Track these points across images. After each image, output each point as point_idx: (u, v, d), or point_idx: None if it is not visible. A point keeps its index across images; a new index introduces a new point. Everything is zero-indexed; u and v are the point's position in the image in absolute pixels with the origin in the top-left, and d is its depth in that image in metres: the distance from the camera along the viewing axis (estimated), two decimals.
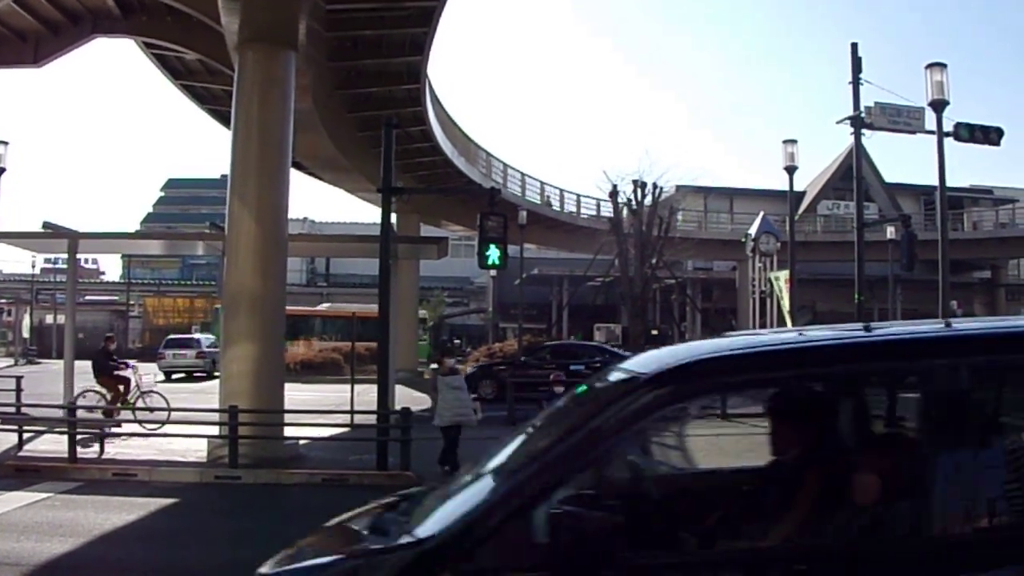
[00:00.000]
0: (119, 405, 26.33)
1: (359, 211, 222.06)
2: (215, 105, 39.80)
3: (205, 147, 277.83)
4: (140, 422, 25.25)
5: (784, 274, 44.93)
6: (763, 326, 54.44)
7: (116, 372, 27.59)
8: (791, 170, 42.22)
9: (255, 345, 22.27)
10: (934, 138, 27.18)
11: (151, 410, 26.22)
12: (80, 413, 22.28)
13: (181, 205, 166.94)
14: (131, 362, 29.85)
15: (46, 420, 24.52)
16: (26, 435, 23.84)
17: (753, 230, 54.18)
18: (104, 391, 26.67)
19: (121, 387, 27.03)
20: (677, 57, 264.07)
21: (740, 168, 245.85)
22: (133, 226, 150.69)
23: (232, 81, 25.20)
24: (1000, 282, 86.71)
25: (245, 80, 23.51)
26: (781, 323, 46.68)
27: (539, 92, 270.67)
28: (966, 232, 74.35)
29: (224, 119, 39.41)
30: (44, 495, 17.69)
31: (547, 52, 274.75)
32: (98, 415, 24.83)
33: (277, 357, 23.72)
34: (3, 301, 72.21)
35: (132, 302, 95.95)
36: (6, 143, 32.84)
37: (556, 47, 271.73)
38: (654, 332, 62.12)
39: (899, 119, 28.27)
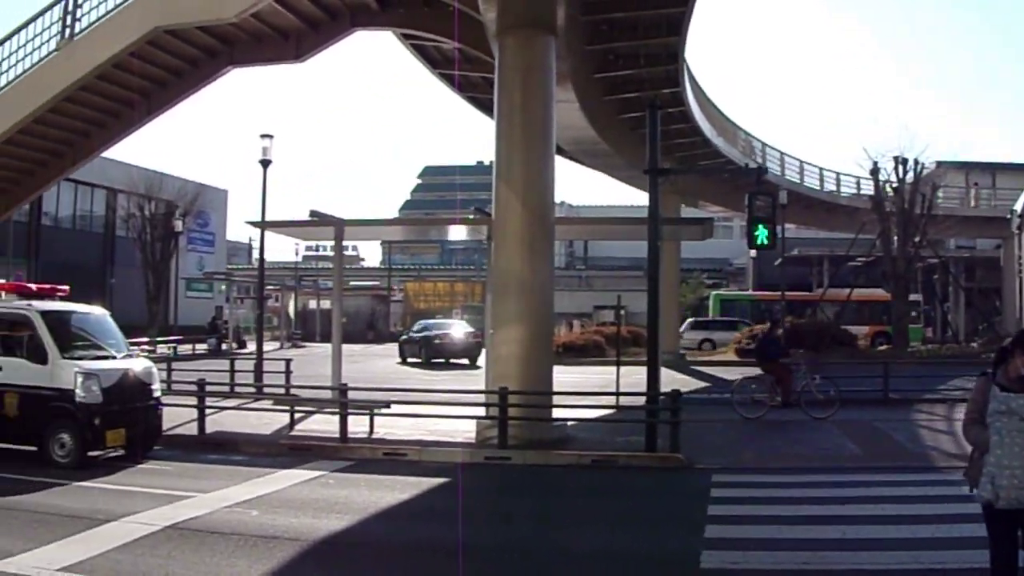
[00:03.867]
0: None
1: (613, 194, 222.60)
2: (474, 92, 40.10)
3: (461, 134, 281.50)
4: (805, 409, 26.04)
5: None
6: None
7: (782, 359, 27.79)
8: None
9: (524, 327, 22.38)
10: None
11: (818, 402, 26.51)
12: (351, 395, 22.65)
13: (437, 192, 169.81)
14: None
15: (316, 401, 25.21)
16: (296, 415, 24.58)
17: (1019, 206, 52.37)
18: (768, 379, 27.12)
19: (786, 374, 27.12)
20: (929, 28, 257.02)
21: (1001, 140, 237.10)
22: (391, 213, 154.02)
23: (491, 68, 25.36)
24: None
25: (506, 67, 23.58)
26: None
27: (789, 69, 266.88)
28: None
29: (483, 106, 39.81)
30: (318, 473, 18.26)
31: (795, 28, 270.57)
32: (366, 396, 25.05)
33: (546, 339, 23.73)
34: (269, 287, 74.36)
35: (393, 287, 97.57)
36: (272, 136, 33.80)
37: (803, 23, 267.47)
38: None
39: None
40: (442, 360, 51.67)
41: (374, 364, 48.94)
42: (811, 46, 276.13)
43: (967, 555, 11.36)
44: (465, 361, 50.38)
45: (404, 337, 58.28)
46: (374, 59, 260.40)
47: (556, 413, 22.62)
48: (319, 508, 14.84)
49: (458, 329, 55.30)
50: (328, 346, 29.02)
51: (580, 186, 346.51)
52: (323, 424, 23.30)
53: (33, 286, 21.08)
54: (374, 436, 22.36)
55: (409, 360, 53.59)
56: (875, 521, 13.72)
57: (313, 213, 26.82)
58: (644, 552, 12.36)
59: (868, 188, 61.39)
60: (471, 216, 29.36)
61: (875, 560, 11.49)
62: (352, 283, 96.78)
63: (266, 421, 24.26)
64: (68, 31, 28.72)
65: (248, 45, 31.73)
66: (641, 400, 21.99)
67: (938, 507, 14.58)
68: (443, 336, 53.44)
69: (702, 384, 39.59)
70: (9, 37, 29.89)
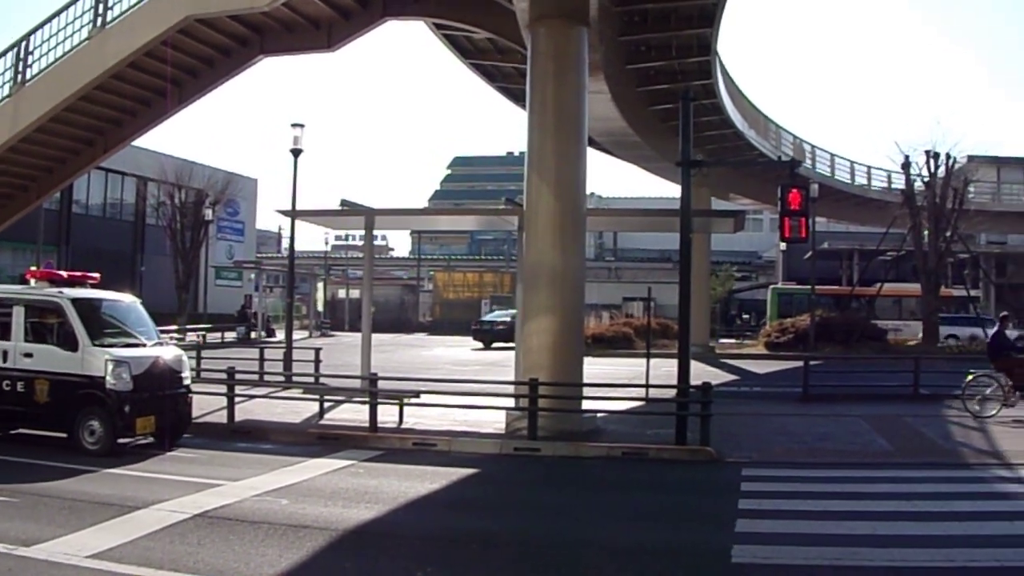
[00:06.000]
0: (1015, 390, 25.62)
1: (641, 186, 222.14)
2: (505, 83, 40.04)
3: (491, 125, 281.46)
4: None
5: None
6: None
7: (1016, 355, 26.59)
8: None
9: (555, 319, 22.40)
10: None
11: None
12: (380, 384, 22.66)
13: (467, 182, 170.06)
14: None
15: (345, 391, 25.20)
16: (326, 404, 24.61)
17: None
18: (1002, 376, 25.92)
19: (1018, 370, 25.86)
20: (968, 17, 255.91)
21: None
22: (421, 203, 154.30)
23: (522, 59, 25.40)
24: None
25: (538, 57, 23.54)
26: None
27: (821, 60, 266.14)
28: None
29: (514, 96, 39.75)
30: (347, 462, 18.28)
31: (829, 19, 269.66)
32: (396, 385, 25.03)
33: (576, 331, 23.65)
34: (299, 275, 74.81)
35: (422, 277, 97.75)
36: (302, 126, 33.72)
37: (836, 13, 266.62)
38: None
39: None
40: (502, 343, 54.90)
41: (403, 353, 49.08)
42: (846, 37, 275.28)
43: (1000, 553, 11.48)
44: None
45: (474, 327, 63.71)
46: (406, 49, 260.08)
47: (586, 405, 22.66)
48: (348, 498, 14.84)
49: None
50: (357, 335, 28.98)
51: (609, 178, 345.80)
52: (352, 413, 23.29)
53: (64, 273, 21.09)
54: (403, 426, 22.38)
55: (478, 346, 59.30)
56: (907, 518, 13.66)
57: (344, 202, 26.86)
58: (674, 546, 12.31)
59: (899, 182, 61.36)
60: (502, 206, 29.28)
61: (907, 557, 11.40)
62: (383, 271, 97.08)
63: (295, 410, 24.37)
64: (100, 19, 28.73)
65: (279, 34, 31.70)
66: (671, 392, 21.91)
67: (970, 504, 14.65)
68: (504, 323, 57.34)
69: (732, 377, 39.65)
70: (42, 25, 29.91)
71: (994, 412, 25.04)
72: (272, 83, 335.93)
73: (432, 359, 47.70)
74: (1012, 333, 29.18)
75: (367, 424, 21.43)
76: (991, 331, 26.80)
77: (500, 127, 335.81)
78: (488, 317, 65.49)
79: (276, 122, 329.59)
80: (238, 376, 23.87)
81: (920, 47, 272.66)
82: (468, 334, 62.23)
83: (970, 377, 26.42)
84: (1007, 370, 25.70)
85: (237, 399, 23.17)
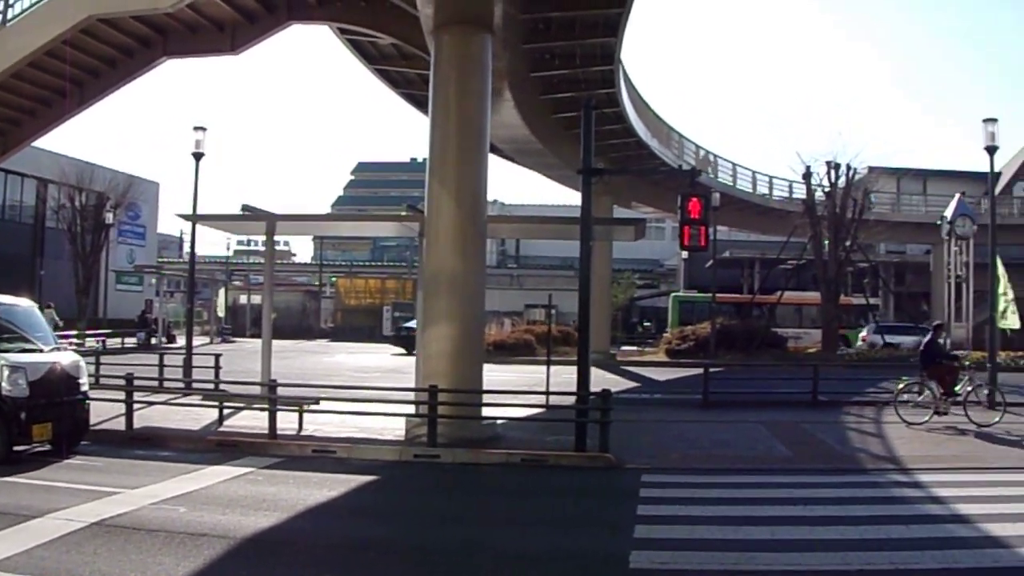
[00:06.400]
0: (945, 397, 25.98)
1: (547, 194, 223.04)
2: (409, 89, 40.01)
3: (395, 131, 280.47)
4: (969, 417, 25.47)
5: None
6: (957, 312, 53.49)
7: (947, 363, 26.97)
8: (991, 150, 41.01)
9: (455, 325, 22.38)
10: None
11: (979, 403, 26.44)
12: (279, 391, 22.53)
13: (371, 188, 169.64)
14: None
15: (245, 397, 25.05)
16: (225, 411, 24.47)
17: (949, 212, 52.99)
18: (933, 384, 26.31)
19: (948, 378, 26.33)
20: (873, 19, 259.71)
21: (934, 146, 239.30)
22: (324, 209, 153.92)
23: (426, 65, 25.34)
24: None
25: (442, 64, 23.56)
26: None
27: (728, 72, 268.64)
28: None
29: (418, 103, 39.75)
30: (247, 470, 18.10)
31: (734, 30, 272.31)
32: (299, 392, 24.91)
33: (477, 337, 23.75)
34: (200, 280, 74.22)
35: (324, 283, 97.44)
36: (205, 129, 33.52)
37: (741, 25, 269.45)
38: None
39: None
40: None
41: (305, 360, 48.89)
42: (749, 50, 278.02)
43: (895, 556, 11.66)
44: None
45: (395, 333, 65.78)
46: (312, 54, 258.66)
47: (486, 411, 22.66)
48: (247, 505, 14.72)
49: None
50: (259, 341, 28.84)
51: (514, 185, 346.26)
52: (252, 420, 23.15)
53: None
54: (303, 433, 22.25)
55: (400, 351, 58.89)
56: (804, 522, 13.83)
57: (245, 207, 26.71)
58: (573, 552, 12.34)
59: (800, 192, 62.20)
60: (404, 212, 29.25)
61: (804, 561, 11.56)
62: (284, 276, 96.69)
63: (195, 416, 24.21)
64: (1, 17, 28.44)
65: (183, 36, 31.57)
66: (571, 399, 21.96)
67: (865, 509, 14.86)
68: None
69: (633, 384, 39.80)
70: None
71: (926, 419, 25.42)
72: (176, 86, 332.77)
73: (334, 365, 47.44)
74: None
75: (267, 431, 21.24)
76: (924, 340, 27.20)
77: (405, 133, 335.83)
78: (411, 324, 64.89)
79: (180, 125, 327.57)
80: (137, 382, 23.63)
81: (826, 52, 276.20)
82: (371, 340, 62.14)
83: (902, 385, 26.97)
84: (938, 378, 26.16)
85: (136, 406, 22.88)
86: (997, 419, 25.32)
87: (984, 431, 24.35)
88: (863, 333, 60.72)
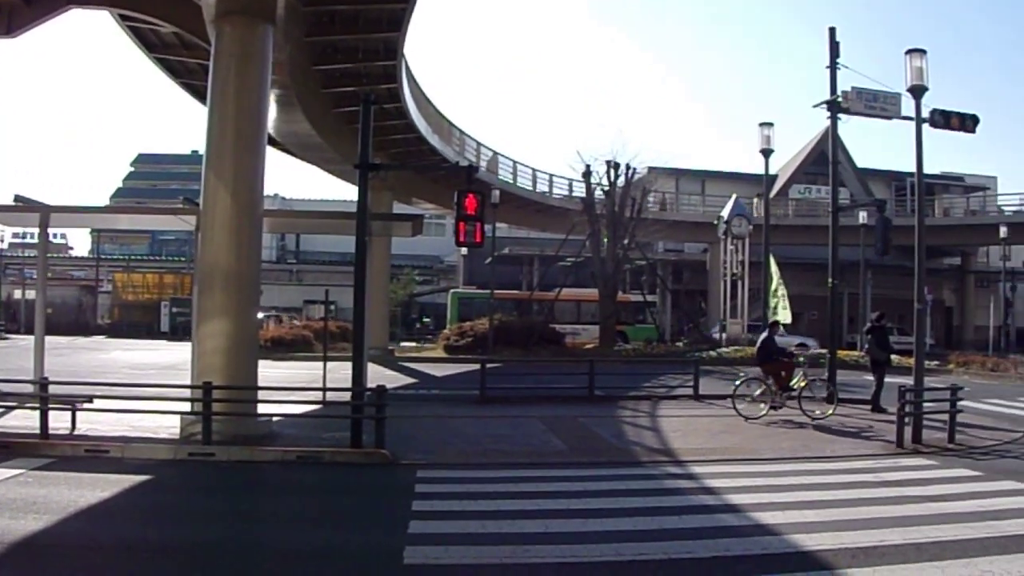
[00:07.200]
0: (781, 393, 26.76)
1: (328, 188, 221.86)
2: (190, 79, 39.39)
3: (177, 122, 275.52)
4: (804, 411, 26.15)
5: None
6: (733, 308, 55.01)
7: (781, 358, 27.75)
8: (767, 153, 42.25)
9: (229, 321, 22.12)
10: (903, 124, 26.99)
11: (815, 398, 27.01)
12: (52, 389, 21.95)
13: (151, 180, 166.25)
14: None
15: (16, 396, 24.33)
16: None
17: (725, 212, 54.58)
18: (770, 379, 27.04)
19: (784, 373, 27.11)
20: (650, 24, 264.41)
21: (715, 147, 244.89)
22: (103, 201, 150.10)
23: (208, 55, 24.99)
24: (970, 269, 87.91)
25: (222, 53, 23.24)
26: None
27: (513, 70, 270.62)
28: (937, 219, 74.97)
29: (198, 94, 39.10)
30: (16, 471, 17.48)
31: (523, 29, 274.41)
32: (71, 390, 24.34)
33: (252, 333, 23.56)
34: None
35: (101, 278, 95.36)
36: None
37: (531, 24, 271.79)
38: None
39: (875, 104, 27.98)
40: None
41: (80, 356, 47.84)
42: (541, 47, 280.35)
43: (667, 546, 12.01)
44: None
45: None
46: (92, 40, 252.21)
47: (262, 408, 22.40)
48: (16, 508, 14.24)
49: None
50: (33, 338, 28.12)
51: (297, 180, 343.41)
52: (24, 420, 22.33)
53: None
54: (76, 432, 21.60)
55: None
56: (578, 515, 14.05)
57: (17, 198, 26.01)
58: (348, 549, 12.35)
59: (580, 190, 63.02)
60: (181, 205, 28.83)
61: (577, 553, 11.77)
62: (60, 271, 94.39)
63: None
64: None
65: None
66: (347, 395, 21.88)
67: (639, 500, 15.25)
68: None
69: (411, 380, 39.95)
70: None
71: (762, 413, 26.32)
72: None
73: (110, 362, 46.33)
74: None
75: (38, 431, 20.61)
76: (761, 337, 28.00)
77: (187, 125, 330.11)
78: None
79: None
80: None
81: (607, 54, 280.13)
82: (149, 336, 61.04)
83: (740, 380, 27.72)
84: (774, 374, 27.07)
85: None
86: (831, 411, 26.48)
87: (819, 423, 25.43)
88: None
